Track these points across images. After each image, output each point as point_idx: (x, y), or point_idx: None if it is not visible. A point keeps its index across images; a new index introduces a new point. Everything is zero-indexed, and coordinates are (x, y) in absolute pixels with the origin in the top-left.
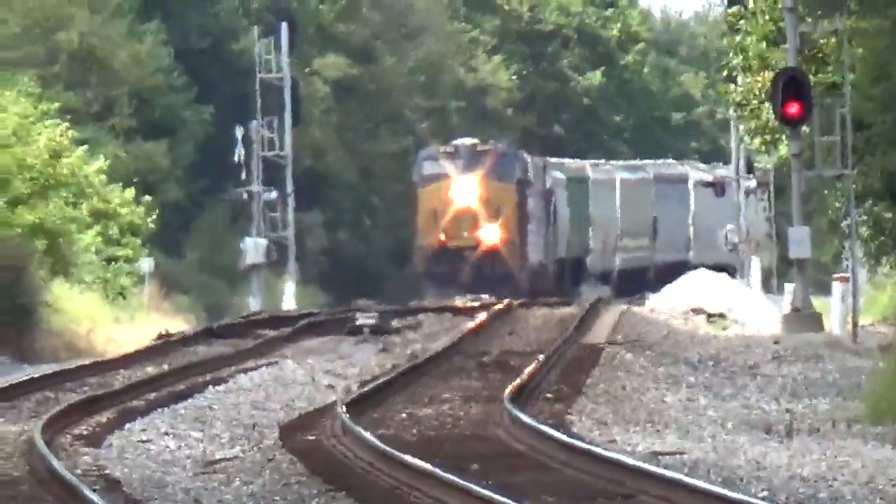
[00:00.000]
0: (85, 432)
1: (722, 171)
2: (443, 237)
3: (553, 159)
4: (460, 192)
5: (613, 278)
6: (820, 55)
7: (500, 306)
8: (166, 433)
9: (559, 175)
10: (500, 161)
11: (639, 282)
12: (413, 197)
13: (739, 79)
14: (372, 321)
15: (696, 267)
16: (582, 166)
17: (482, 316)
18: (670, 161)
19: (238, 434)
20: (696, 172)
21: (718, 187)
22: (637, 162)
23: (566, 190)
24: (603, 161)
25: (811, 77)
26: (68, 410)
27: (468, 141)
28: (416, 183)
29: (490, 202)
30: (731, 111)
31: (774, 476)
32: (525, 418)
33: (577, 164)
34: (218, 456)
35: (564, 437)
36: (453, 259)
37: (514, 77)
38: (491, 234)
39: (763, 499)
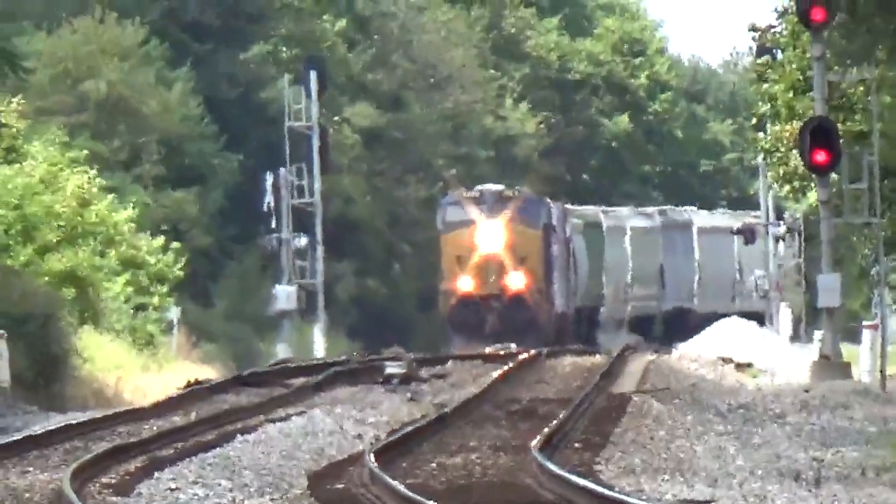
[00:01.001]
0: (113, 481)
1: (750, 219)
2: (468, 284)
3: (569, 205)
4: (486, 238)
5: (625, 326)
6: (848, 104)
7: (527, 355)
8: (195, 482)
9: (577, 221)
10: (525, 207)
11: (646, 330)
12: (437, 243)
13: (768, 127)
14: (400, 370)
15: (702, 317)
16: (595, 212)
17: (510, 364)
18: (685, 208)
19: (267, 483)
20: (701, 219)
21: (748, 234)
22: (646, 209)
23: (583, 236)
24: (613, 208)
25: (839, 125)
26: (97, 459)
27: (493, 186)
28: (440, 228)
29: (516, 248)
30: (759, 158)
31: None
32: (553, 467)
33: (592, 211)
34: None
35: (593, 486)
36: (478, 306)
37: (541, 125)
38: (517, 281)
39: None
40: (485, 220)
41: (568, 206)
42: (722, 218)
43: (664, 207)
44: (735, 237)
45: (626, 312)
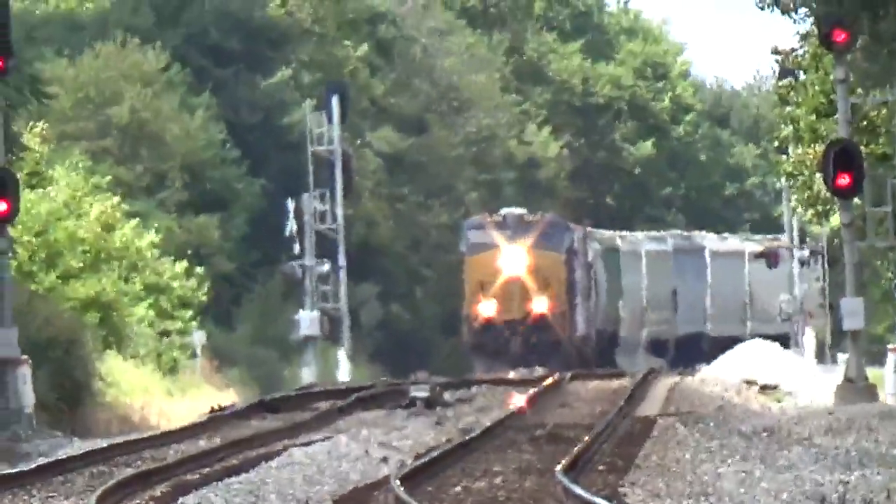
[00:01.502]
0: None
1: (771, 242)
2: (491, 308)
3: (590, 229)
4: (509, 262)
5: (640, 350)
6: (870, 126)
7: (551, 379)
8: None
9: (596, 245)
10: (548, 230)
11: (662, 353)
12: (460, 267)
13: (791, 150)
14: (425, 394)
15: (715, 341)
16: (613, 237)
17: (535, 388)
18: (697, 233)
19: None
20: (713, 243)
21: (772, 258)
22: (659, 233)
23: (602, 260)
24: (628, 232)
25: (862, 148)
26: (122, 484)
27: (516, 210)
28: (463, 252)
29: (539, 272)
30: (782, 182)
31: None
32: (579, 491)
33: (609, 235)
34: None
35: None
36: (502, 330)
37: (563, 148)
38: (540, 305)
39: None
40: (508, 244)
41: (588, 229)
42: (733, 242)
43: (676, 232)
44: (746, 261)
45: (642, 336)
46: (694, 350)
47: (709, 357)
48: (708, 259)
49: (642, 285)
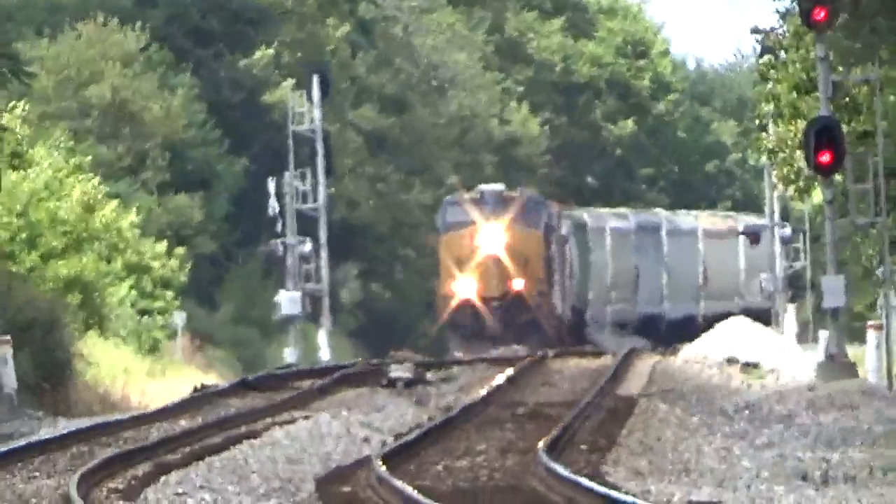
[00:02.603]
0: (120, 486)
1: (750, 220)
2: (468, 286)
3: (561, 206)
4: (486, 240)
5: (607, 328)
6: (852, 104)
7: (532, 358)
8: (201, 487)
9: (569, 222)
10: (527, 207)
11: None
12: (437, 244)
13: (771, 127)
14: (406, 374)
15: (671, 321)
16: (581, 213)
17: (516, 367)
18: (662, 211)
19: (274, 487)
20: (670, 221)
21: (751, 236)
22: (622, 210)
23: (574, 237)
24: (594, 209)
25: (843, 126)
26: (104, 464)
27: (494, 187)
28: (440, 229)
29: (517, 250)
30: (763, 159)
31: None
32: (560, 469)
33: (578, 212)
34: None
35: (600, 488)
36: (478, 309)
37: (544, 127)
38: (518, 283)
39: None
40: (485, 221)
41: (560, 206)
42: (687, 220)
43: (646, 209)
44: (702, 238)
45: (607, 315)
46: (655, 329)
47: (667, 338)
48: (665, 237)
49: (607, 263)
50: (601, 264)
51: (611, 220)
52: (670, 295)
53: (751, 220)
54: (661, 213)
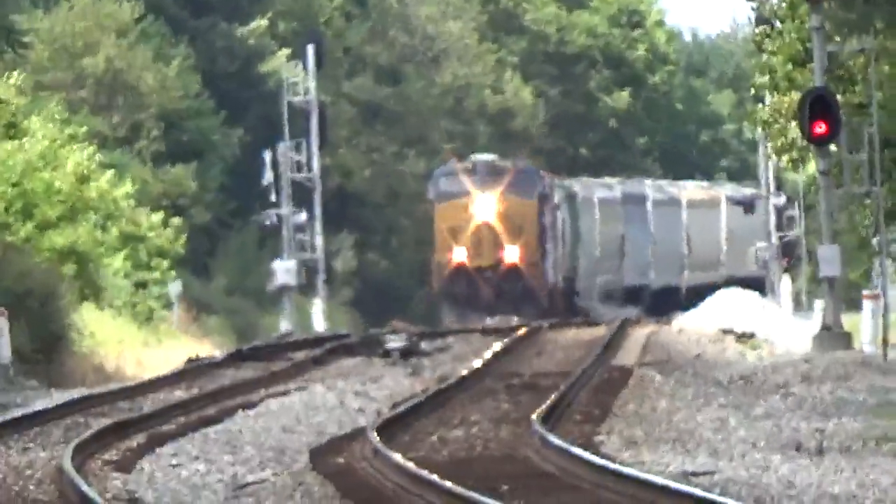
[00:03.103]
0: (115, 457)
1: (734, 189)
2: (461, 255)
3: (552, 175)
4: (480, 209)
5: (595, 298)
6: (847, 75)
7: (528, 328)
8: (196, 457)
9: (560, 192)
10: (520, 177)
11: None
12: (430, 214)
13: (767, 98)
14: (401, 344)
15: (657, 291)
16: (571, 183)
17: (511, 337)
18: (652, 181)
19: (268, 458)
20: (656, 191)
21: (746, 206)
22: (608, 180)
23: (566, 207)
24: (584, 178)
25: (839, 96)
26: (98, 435)
27: (487, 156)
28: (433, 199)
29: (510, 219)
30: (758, 129)
31: (805, 495)
32: (555, 439)
33: (568, 182)
34: (248, 479)
35: (594, 458)
36: (472, 278)
37: (539, 97)
38: (512, 253)
39: None
40: (479, 191)
41: (551, 175)
42: (671, 190)
43: (634, 180)
44: (685, 208)
45: (597, 284)
46: (638, 300)
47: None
48: (650, 208)
49: (595, 233)
50: (590, 234)
51: (598, 189)
52: (655, 265)
53: (735, 189)
54: (646, 183)
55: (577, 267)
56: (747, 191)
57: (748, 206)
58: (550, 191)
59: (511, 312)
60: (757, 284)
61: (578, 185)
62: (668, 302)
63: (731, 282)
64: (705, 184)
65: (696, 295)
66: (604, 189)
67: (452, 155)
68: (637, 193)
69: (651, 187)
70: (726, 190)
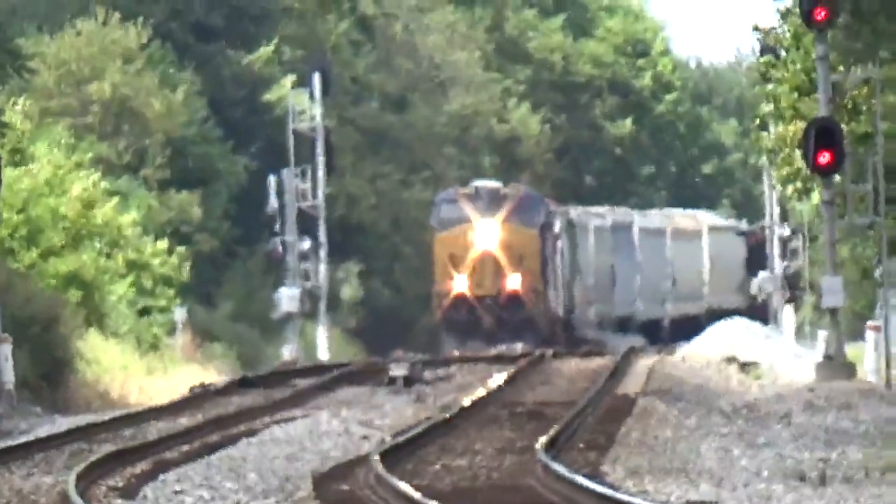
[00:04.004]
0: (119, 483)
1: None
2: (463, 283)
3: (554, 203)
4: (482, 237)
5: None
6: (851, 104)
7: (532, 357)
8: (200, 484)
9: (561, 219)
10: (522, 204)
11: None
12: (431, 241)
13: (771, 127)
14: (404, 372)
15: (644, 323)
16: (567, 210)
17: (515, 366)
18: (634, 211)
19: (272, 485)
20: (643, 221)
21: (750, 237)
22: (600, 208)
23: (566, 235)
24: (580, 207)
25: (843, 126)
26: (102, 461)
27: (489, 183)
28: (434, 226)
29: (513, 247)
30: (763, 158)
31: None
32: (559, 468)
33: (564, 209)
34: None
35: (598, 487)
36: (473, 307)
37: (544, 125)
38: (514, 281)
39: None
40: (480, 218)
41: (554, 204)
42: (656, 218)
43: (623, 209)
44: (670, 238)
45: (590, 314)
46: (628, 329)
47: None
48: (637, 237)
49: (590, 261)
50: (586, 263)
51: (592, 218)
52: (641, 296)
53: (716, 218)
54: (633, 213)
55: (574, 296)
56: (729, 221)
57: (754, 236)
58: (552, 218)
59: (512, 341)
60: (700, 318)
61: (575, 212)
62: (655, 334)
63: (712, 314)
64: (688, 212)
65: (679, 327)
66: (596, 217)
67: (453, 184)
68: (625, 222)
69: (638, 216)
70: (707, 219)
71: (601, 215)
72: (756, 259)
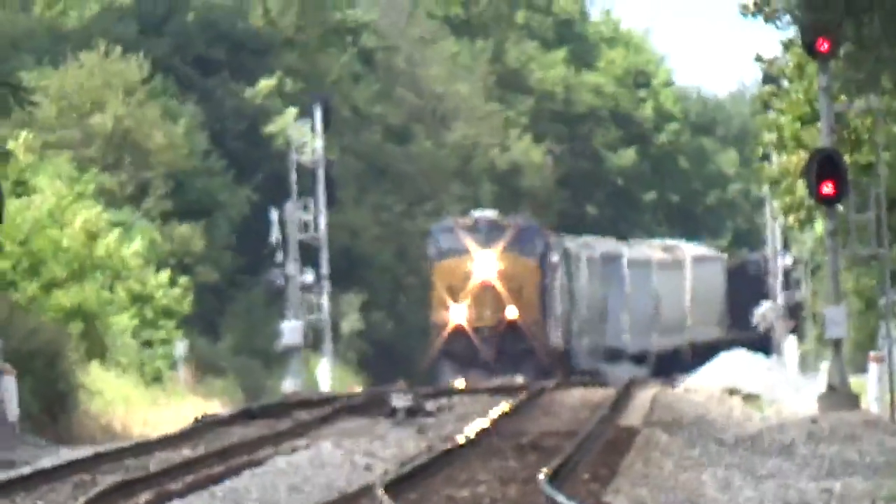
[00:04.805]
0: None
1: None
2: (461, 314)
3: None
4: (480, 267)
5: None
6: (854, 135)
7: (534, 388)
8: None
9: (559, 249)
10: (521, 234)
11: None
12: (427, 271)
13: (773, 157)
14: (407, 403)
15: (630, 356)
16: (562, 240)
17: (516, 397)
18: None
19: None
20: (630, 251)
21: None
22: (588, 238)
23: (563, 265)
24: (574, 237)
25: (846, 156)
26: (106, 493)
27: (487, 213)
28: (432, 256)
29: (511, 278)
30: (765, 187)
31: None
32: (562, 499)
33: (558, 239)
34: None
35: None
36: (471, 338)
37: (546, 156)
38: (513, 312)
39: None
40: (479, 249)
41: (552, 233)
42: (642, 249)
43: (608, 238)
44: (655, 269)
45: (583, 345)
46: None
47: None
48: (625, 268)
49: (584, 293)
50: (581, 294)
51: (584, 248)
52: (631, 328)
53: (698, 248)
54: (621, 244)
55: (571, 327)
56: (710, 251)
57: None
58: (551, 248)
59: (511, 372)
60: (718, 349)
61: (571, 242)
62: (642, 367)
63: (695, 347)
64: (670, 242)
65: (663, 361)
66: (587, 247)
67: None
68: (615, 253)
69: (626, 247)
70: (691, 249)
71: (591, 245)
72: (755, 289)
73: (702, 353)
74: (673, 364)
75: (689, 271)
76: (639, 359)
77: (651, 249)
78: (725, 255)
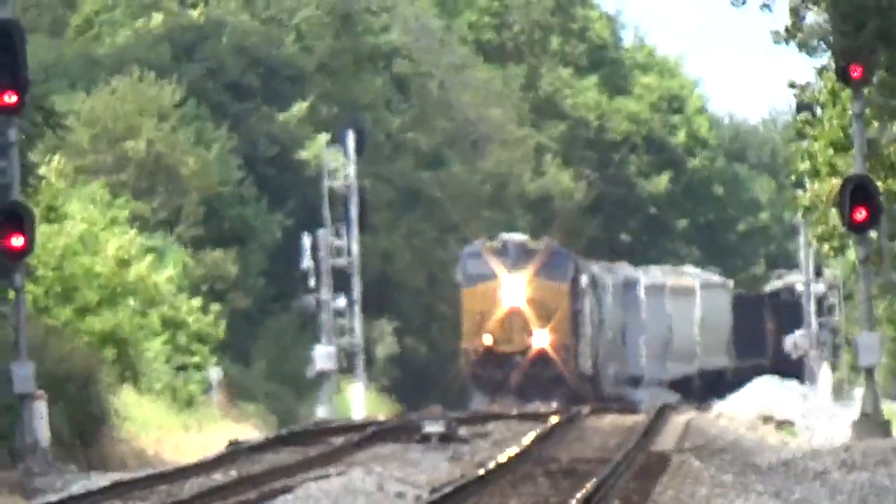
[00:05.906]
0: None
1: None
2: (490, 341)
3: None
4: (509, 293)
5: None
6: (887, 161)
7: (567, 414)
8: None
9: (587, 275)
10: (551, 259)
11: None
12: (456, 296)
13: (808, 184)
14: (440, 429)
15: (648, 382)
16: (588, 264)
17: (549, 423)
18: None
19: None
20: (645, 277)
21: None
22: (608, 263)
23: (591, 290)
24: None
25: (879, 183)
26: None
27: (516, 237)
28: (460, 282)
29: (541, 303)
30: (799, 216)
31: None
32: None
33: (587, 263)
34: None
35: None
36: (501, 363)
37: (579, 182)
38: (542, 338)
39: None
40: (508, 274)
41: (581, 258)
42: (657, 275)
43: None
44: (668, 296)
45: (610, 371)
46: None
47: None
48: (642, 294)
49: (608, 318)
50: (606, 319)
51: (607, 274)
52: (648, 354)
53: (707, 275)
54: (638, 270)
55: (599, 353)
56: (717, 277)
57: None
58: (580, 273)
59: (542, 398)
60: (725, 377)
61: (597, 268)
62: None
63: (704, 375)
64: (679, 268)
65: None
66: (611, 273)
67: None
68: (633, 278)
69: (642, 272)
70: (700, 275)
71: (613, 270)
72: (787, 318)
73: (712, 383)
74: (684, 390)
75: (699, 298)
76: (650, 384)
77: (666, 275)
78: (731, 282)
